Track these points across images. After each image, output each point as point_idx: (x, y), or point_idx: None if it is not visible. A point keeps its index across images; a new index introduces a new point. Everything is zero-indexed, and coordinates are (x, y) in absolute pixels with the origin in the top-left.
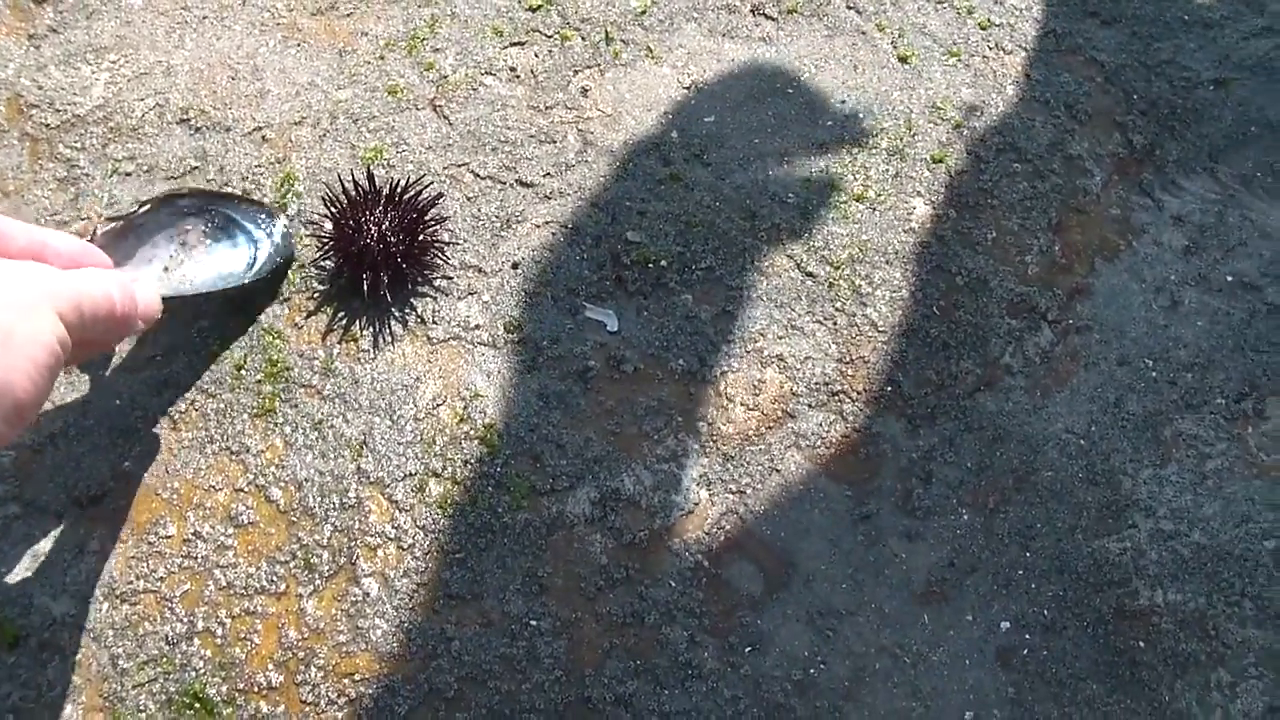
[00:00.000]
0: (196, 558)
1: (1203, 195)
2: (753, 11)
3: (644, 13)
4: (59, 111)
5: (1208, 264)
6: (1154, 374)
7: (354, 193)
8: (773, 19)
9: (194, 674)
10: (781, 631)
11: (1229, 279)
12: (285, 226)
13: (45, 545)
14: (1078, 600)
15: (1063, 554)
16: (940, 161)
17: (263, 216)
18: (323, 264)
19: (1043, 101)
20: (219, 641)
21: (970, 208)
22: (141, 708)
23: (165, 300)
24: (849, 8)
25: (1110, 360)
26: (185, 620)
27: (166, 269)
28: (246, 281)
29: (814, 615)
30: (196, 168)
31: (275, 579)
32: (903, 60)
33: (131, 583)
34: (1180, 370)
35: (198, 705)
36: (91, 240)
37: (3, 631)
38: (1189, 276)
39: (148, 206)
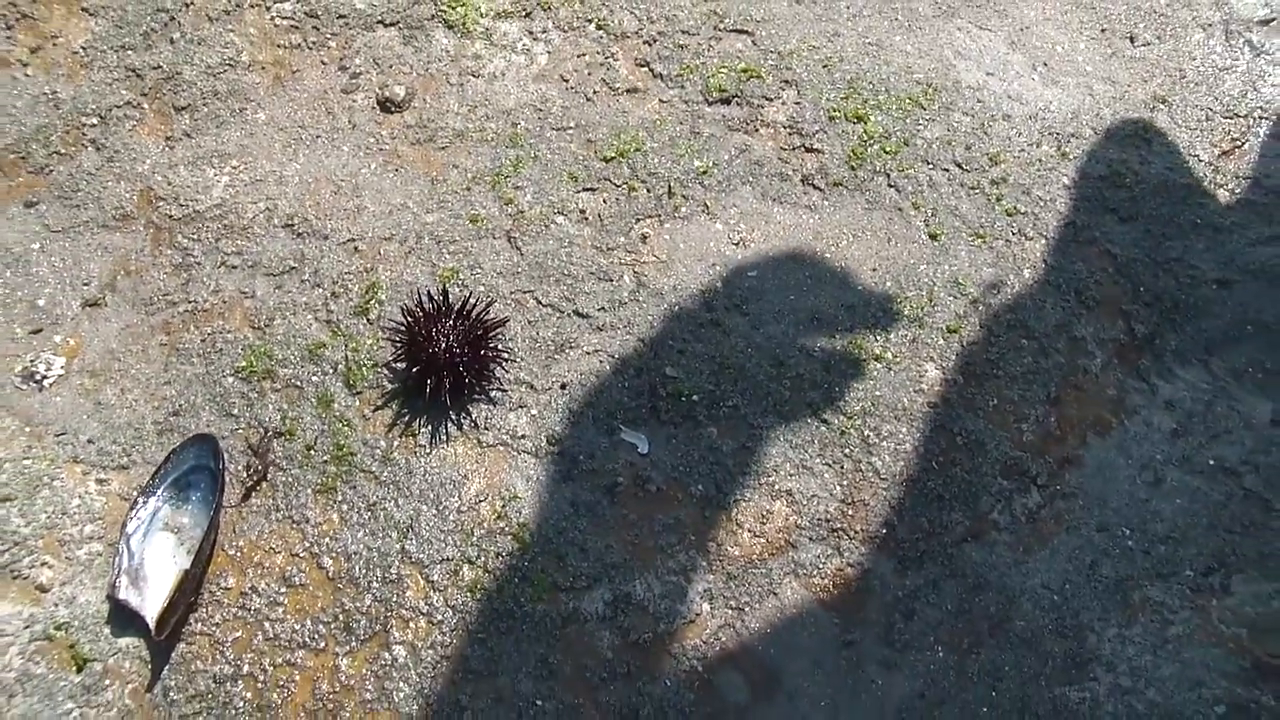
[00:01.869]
0: (250, 609)
1: (1195, 384)
2: (803, 181)
3: (705, 173)
4: (183, 206)
5: (1193, 447)
6: (1130, 542)
7: (429, 306)
8: (820, 189)
9: (234, 712)
10: None
11: (1211, 463)
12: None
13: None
14: None
15: (1026, 697)
16: (955, 332)
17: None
18: (395, 365)
19: (1056, 286)
20: (260, 686)
21: (977, 376)
22: None
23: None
24: (889, 185)
25: (1091, 526)
26: (233, 663)
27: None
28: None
29: None
30: (294, 268)
31: (317, 637)
32: (933, 237)
33: (190, 625)
34: (1155, 541)
35: None
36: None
37: (74, 655)
38: (1174, 457)
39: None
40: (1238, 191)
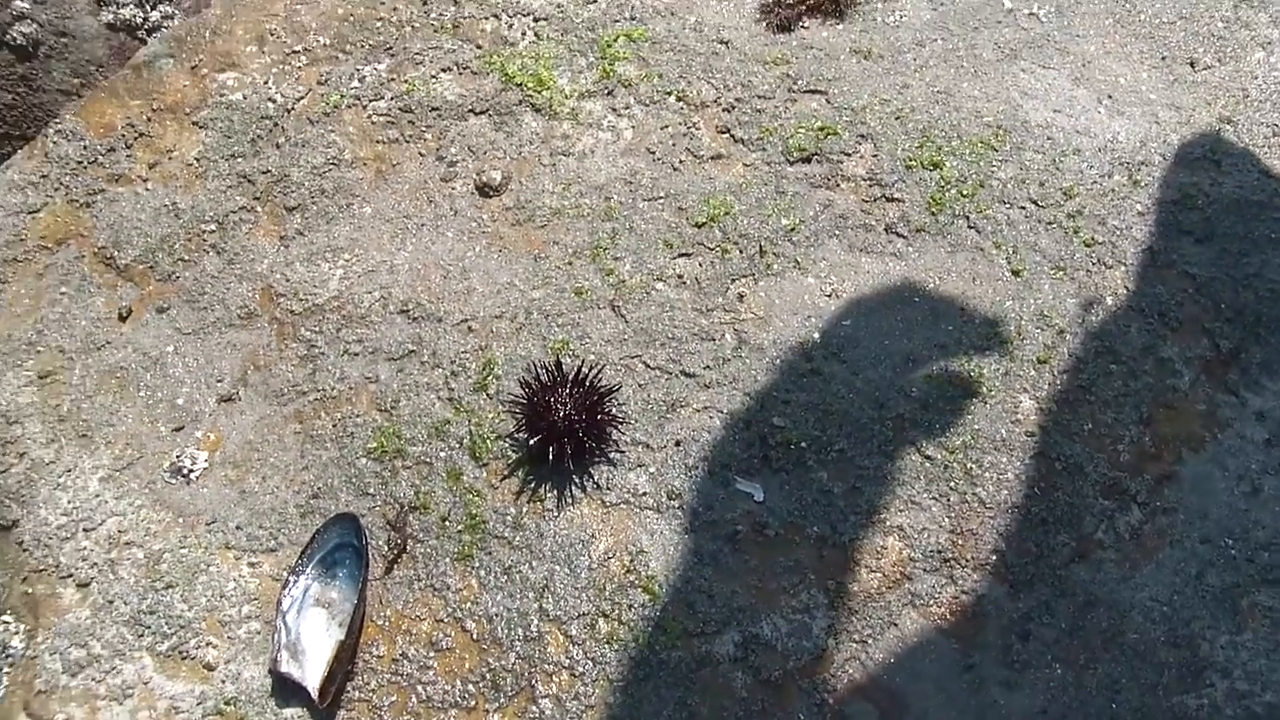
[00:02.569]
0: (402, 675)
1: None
2: (886, 230)
3: (793, 230)
4: (302, 300)
5: None
6: (1234, 551)
7: (544, 377)
8: (903, 236)
9: None
10: None
11: None
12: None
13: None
14: None
15: (1145, 707)
16: (1045, 362)
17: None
18: (517, 435)
19: (1139, 310)
20: None
21: (1070, 403)
22: None
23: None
24: (970, 227)
25: (1193, 538)
26: None
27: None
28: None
29: None
30: (413, 351)
31: (467, 696)
32: (1015, 274)
33: (348, 693)
34: (1258, 549)
35: None
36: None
37: None
38: (1269, 466)
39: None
40: None
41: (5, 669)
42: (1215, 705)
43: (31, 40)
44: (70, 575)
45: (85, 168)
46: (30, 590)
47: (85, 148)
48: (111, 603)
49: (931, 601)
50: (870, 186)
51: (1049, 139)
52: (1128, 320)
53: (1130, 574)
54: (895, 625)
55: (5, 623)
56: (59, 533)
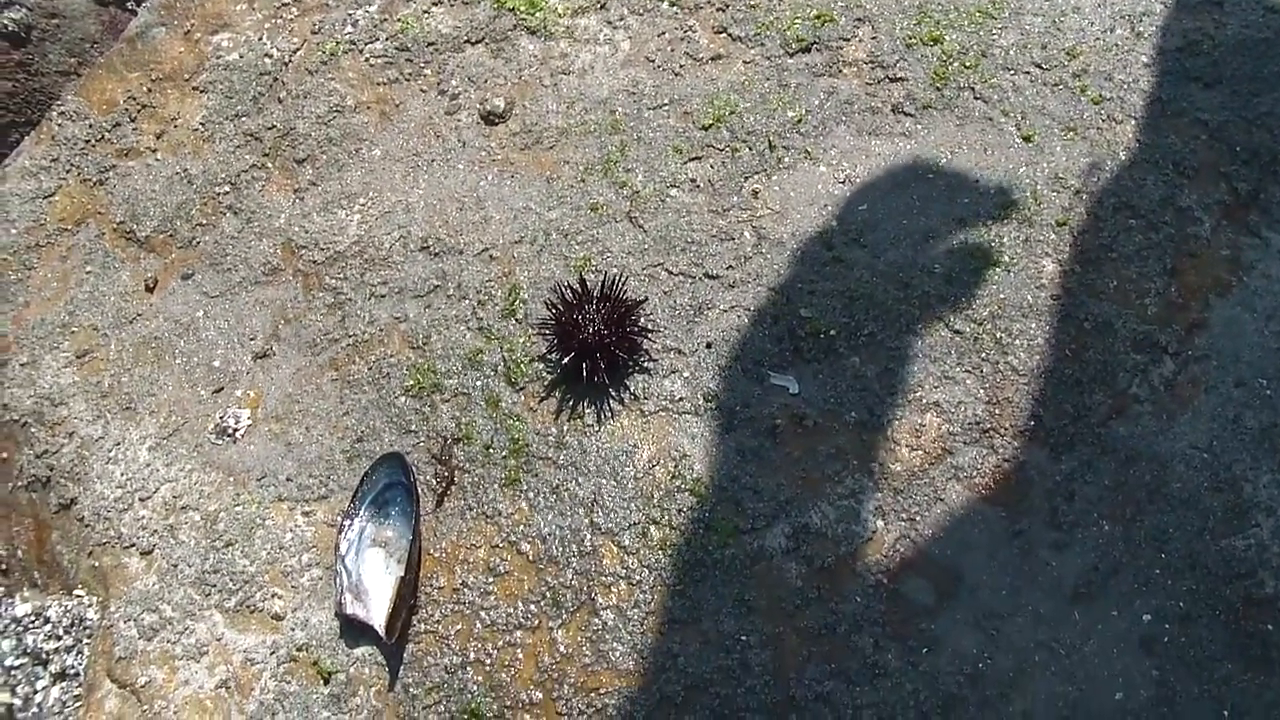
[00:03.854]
0: (465, 603)
1: None
2: (893, 110)
3: (800, 121)
4: (323, 249)
5: None
6: (1269, 392)
7: (570, 296)
8: (911, 115)
9: (470, 696)
10: (952, 634)
11: None
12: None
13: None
14: (1210, 592)
15: (1194, 553)
16: (1064, 225)
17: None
18: (549, 357)
19: (1153, 162)
20: (488, 669)
21: (1093, 262)
22: None
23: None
24: (976, 98)
25: (1228, 383)
26: (460, 653)
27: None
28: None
29: (979, 619)
30: (438, 286)
31: (530, 616)
32: (1026, 139)
33: (414, 626)
34: None
35: None
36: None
37: (319, 671)
38: None
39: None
40: None
41: (85, 640)
42: (1262, 544)
43: (23, 25)
44: (133, 545)
45: (93, 146)
46: (97, 563)
47: (91, 126)
48: (176, 566)
49: (975, 473)
50: (873, 69)
51: (1047, 0)
52: (1143, 174)
53: (1168, 425)
54: (941, 500)
55: (79, 596)
56: (116, 505)
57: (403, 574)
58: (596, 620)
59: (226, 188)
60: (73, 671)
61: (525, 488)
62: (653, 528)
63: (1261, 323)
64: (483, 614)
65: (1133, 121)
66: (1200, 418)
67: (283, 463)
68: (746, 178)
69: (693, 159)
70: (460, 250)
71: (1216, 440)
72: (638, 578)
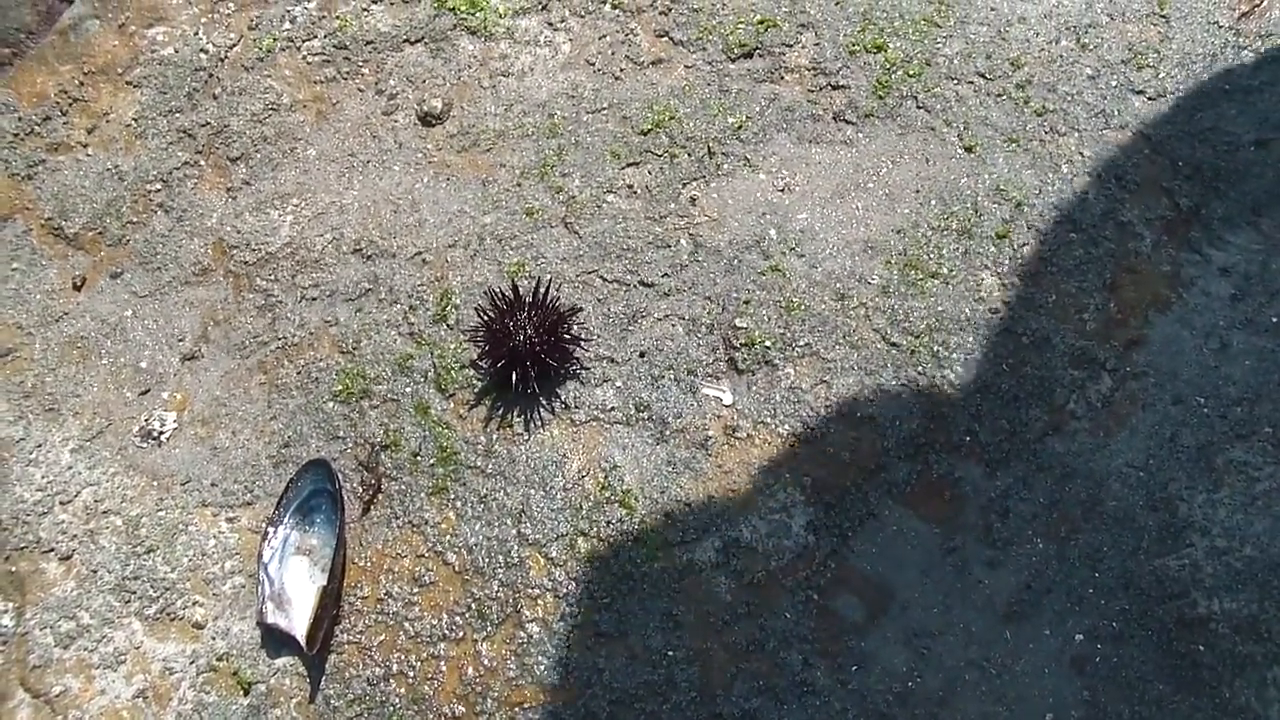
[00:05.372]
0: (389, 614)
1: (1247, 247)
2: (834, 118)
3: (740, 127)
4: (255, 250)
5: (1254, 309)
6: (1206, 410)
7: (501, 302)
8: (852, 123)
9: (392, 709)
10: (883, 651)
11: (1275, 320)
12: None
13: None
14: (1143, 612)
15: (1128, 572)
16: (1004, 237)
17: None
18: (480, 363)
19: (1095, 175)
20: (411, 681)
21: (1032, 275)
22: None
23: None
24: (919, 107)
25: (1165, 400)
26: (383, 665)
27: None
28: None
29: (910, 636)
30: (370, 290)
31: (454, 628)
32: (968, 150)
33: (337, 636)
34: (1230, 405)
35: None
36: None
37: (239, 681)
38: (1236, 321)
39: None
40: (1262, 50)
41: None
42: (1196, 564)
43: None
44: (52, 549)
45: (22, 139)
46: (14, 568)
47: (20, 119)
48: (95, 572)
49: (909, 488)
50: (815, 76)
51: (993, 9)
52: (1084, 187)
53: (1105, 442)
54: (874, 516)
55: None
56: (36, 508)
57: (325, 583)
58: (522, 633)
59: (158, 185)
60: None
61: (453, 496)
62: (581, 540)
63: (1200, 340)
64: (407, 625)
65: (1076, 134)
66: (1137, 435)
67: (208, 467)
68: (685, 184)
69: (630, 164)
70: (393, 254)
71: (1153, 459)
72: (564, 590)
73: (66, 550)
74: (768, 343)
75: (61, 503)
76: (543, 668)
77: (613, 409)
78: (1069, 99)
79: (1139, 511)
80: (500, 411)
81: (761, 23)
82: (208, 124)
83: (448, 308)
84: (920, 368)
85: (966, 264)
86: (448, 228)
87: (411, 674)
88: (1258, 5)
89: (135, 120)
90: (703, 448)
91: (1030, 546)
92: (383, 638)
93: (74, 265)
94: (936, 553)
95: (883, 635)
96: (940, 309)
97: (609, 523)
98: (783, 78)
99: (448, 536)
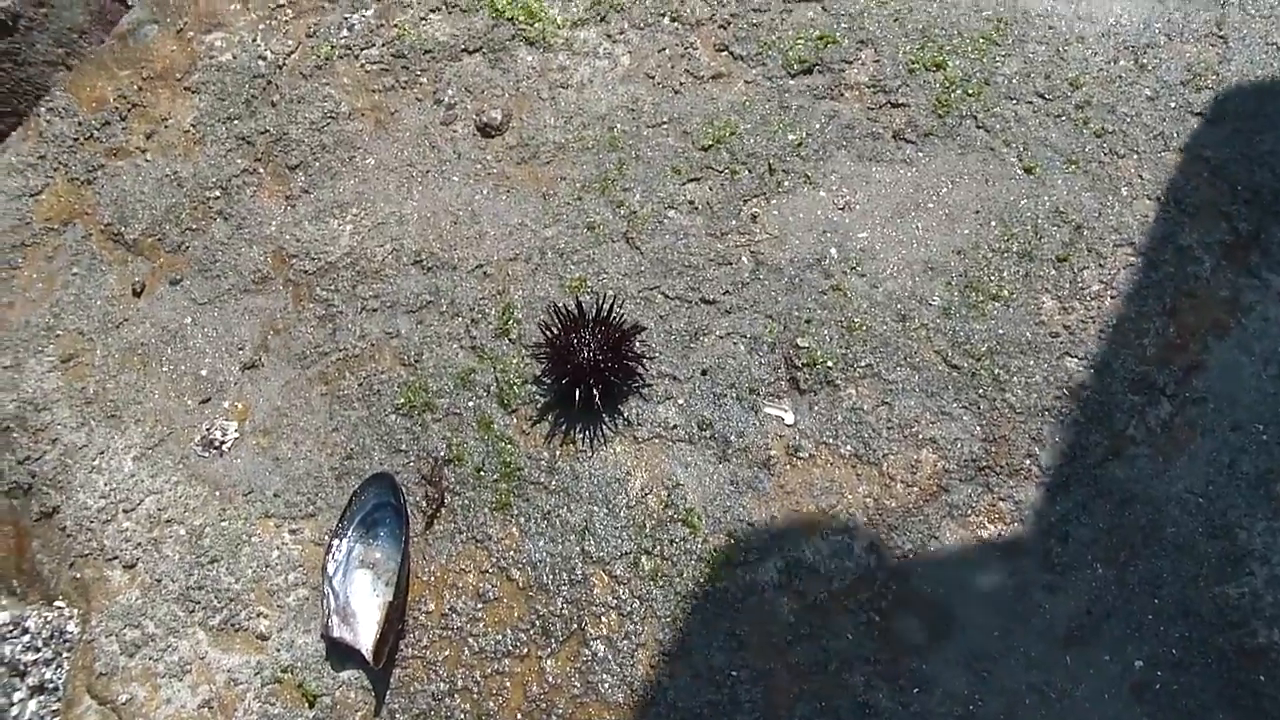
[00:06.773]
0: (453, 628)
1: None
2: (894, 137)
3: (800, 144)
4: (314, 259)
5: None
6: (1265, 436)
7: (565, 318)
8: (912, 142)
9: None
10: (944, 674)
11: None
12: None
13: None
14: (1202, 640)
15: (1188, 600)
16: (1064, 260)
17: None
18: (543, 379)
19: (1154, 198)
20: (475, 696)
21: (1092, 299)
22: None
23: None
24: (979, 127)
25: (1224, 426)
26: (447, 680)
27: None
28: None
29: (971, 659)
30: (431, 302)
31: (519, 644)
32: (1028, 171)
33: (401, 651)
34: None
35: None
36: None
37: (304, 693)
38: None
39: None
40: None
41: (65, 654)
42: (1256, 593)
43: (10, 14)
44: (116, 557)
45: (82, 144)
46: (79, 575)
47: (80, 124)
48: (159, 581)
49: (970, 511)
50: (874, 93)
51: (1051, 28)
52: (1144, 210)
53: (1165, 467)
54: (936, 538)
55: (59, 608)
56: (100, 515)
57: (391, 598)
58: (586, 651)
59: (217, 192)
60: (51, 685)
61: (516, 512)
62: (644, 558)
63: (1259, 366)
64: (471, 641)
65: (1135, 156)
66: (1196, 461)
67: (270, 478)
68: (745, 201)
69: (691, 180)
70: (454, 265)
71: (1212, 485)
72: (628, 609)
73: (130, 559)
74: (829, 363)
75: (125, 511)
76: (607, 685)
77: (675, 427)
78: (1128, 120)
79: (1198, 538)
80: (563, 427)
81: (821, 38)
82: (266, 131)
83: (509, 322)
84: (981, 390)
85: (1027, 287)
86: (508, 240)
87: (476, 690)
88: None
89: (194, 126)
90: (765, 467)
91: (1090, 572)
92: (447, 653)
93: (133, 271)
94: (997, 576)
95: (944, 658)
96: (1001, 331)
97: (672, 541)
98: (842, 94)
99: (511, 552)
